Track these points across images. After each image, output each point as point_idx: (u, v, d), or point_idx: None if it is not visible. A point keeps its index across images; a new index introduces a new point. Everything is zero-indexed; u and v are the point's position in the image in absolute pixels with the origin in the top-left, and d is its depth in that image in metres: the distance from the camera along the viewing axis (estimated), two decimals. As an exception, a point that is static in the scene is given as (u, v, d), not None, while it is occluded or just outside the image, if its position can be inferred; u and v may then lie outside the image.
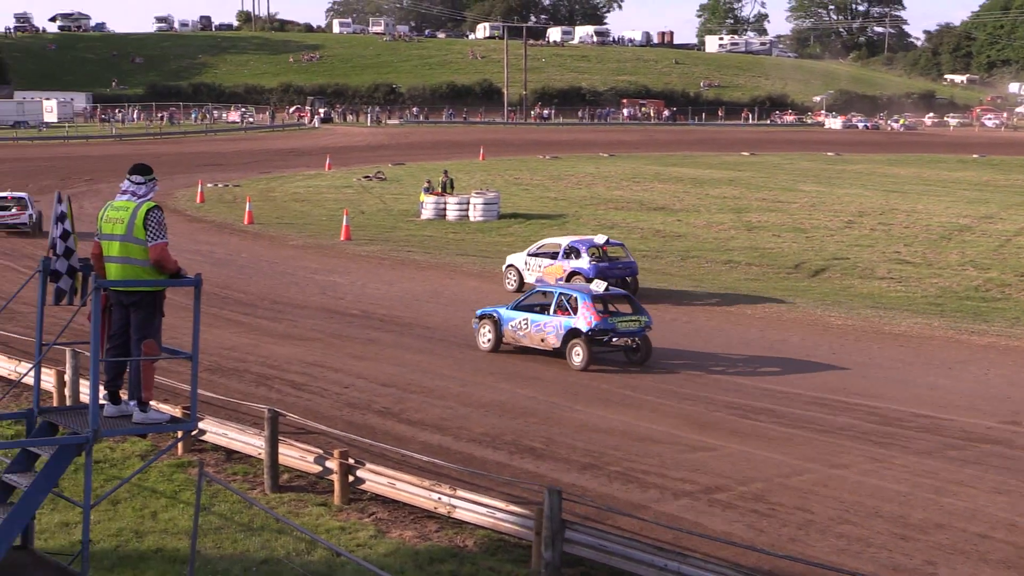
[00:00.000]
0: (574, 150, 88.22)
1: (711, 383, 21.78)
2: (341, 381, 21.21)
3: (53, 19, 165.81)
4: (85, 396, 17.28)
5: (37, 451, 9.75)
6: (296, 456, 15.71)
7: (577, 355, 22.74)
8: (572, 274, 29.88)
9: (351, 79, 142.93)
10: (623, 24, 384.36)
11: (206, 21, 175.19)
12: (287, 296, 30.46)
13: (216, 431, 16.71)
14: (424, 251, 39.14)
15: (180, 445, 16.67)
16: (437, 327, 26.64)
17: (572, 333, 22.87)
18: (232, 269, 34.44)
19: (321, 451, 15.56)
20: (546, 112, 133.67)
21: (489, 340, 24.06)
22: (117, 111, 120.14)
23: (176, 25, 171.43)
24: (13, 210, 41.45)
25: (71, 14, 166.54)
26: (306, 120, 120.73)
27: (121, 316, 10.18)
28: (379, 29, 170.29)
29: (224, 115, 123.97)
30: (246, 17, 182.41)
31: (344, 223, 42.10)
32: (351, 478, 14.98)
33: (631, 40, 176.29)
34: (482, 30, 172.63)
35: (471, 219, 46.52)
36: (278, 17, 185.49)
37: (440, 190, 48.66)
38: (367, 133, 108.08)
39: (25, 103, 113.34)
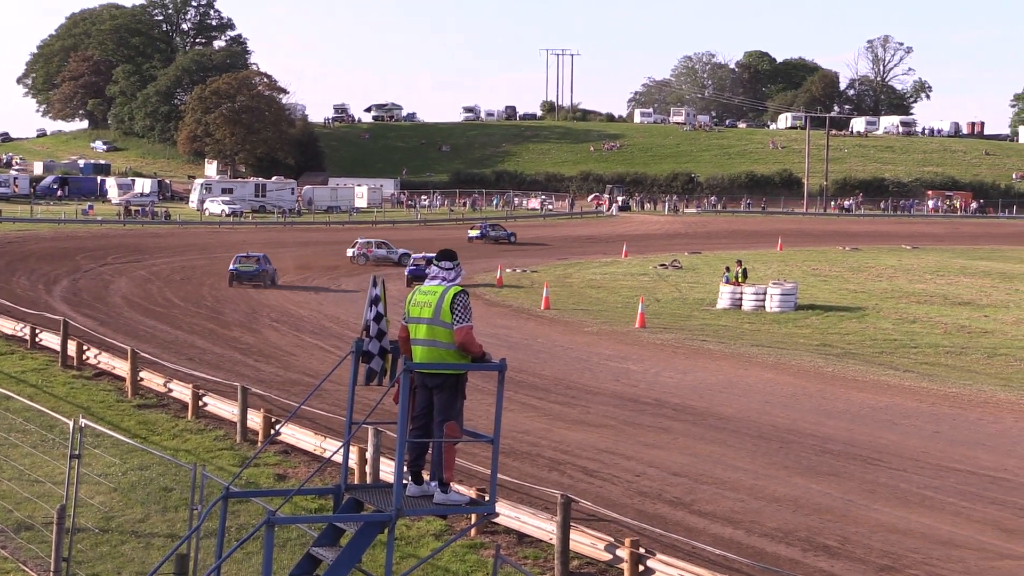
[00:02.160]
0: (875, 242, 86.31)
1: (1020, 487, 20.76)
2: (633, 469, 21.21)
3: (368, 109, 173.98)
4: (386, 474, 17.86)
5: (343, 526, 10.13)
6: (587, 543, 15.78)
7: None
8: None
9: (650, 168, 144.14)
10: (931, 115, 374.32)
11: (511, 111, 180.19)
12: (580, 382, 30.72)
13: (509, 514, 16.94)
14: (719, 340, 38.88)
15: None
16: (730, 417, 26.37)
17: None
18: (527, 353, 35.00)
19: (612, 539, 15.59)
20: (847, 203, 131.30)
21: None
22: (423, 197, 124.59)
23: (482, 115, 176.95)
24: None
25: (385, 104, 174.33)
26: (604, 208, 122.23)
27: (425, 398, 10.51)
28: (680, 119, 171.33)
29: (525, 202, 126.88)
30: (550, 107, 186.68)
31: (639, 311, 42.28)
32: (641, 568, 14.93)
33: (939, 131, 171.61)
34: (784, 120, 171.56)
35: (767, 309, 46.00)
36: (580, 107, 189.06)
37: (735, 280, 48.42)
38: (664, 221, 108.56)
39: (338, 189, 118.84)
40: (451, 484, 10.51)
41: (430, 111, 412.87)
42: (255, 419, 22.65)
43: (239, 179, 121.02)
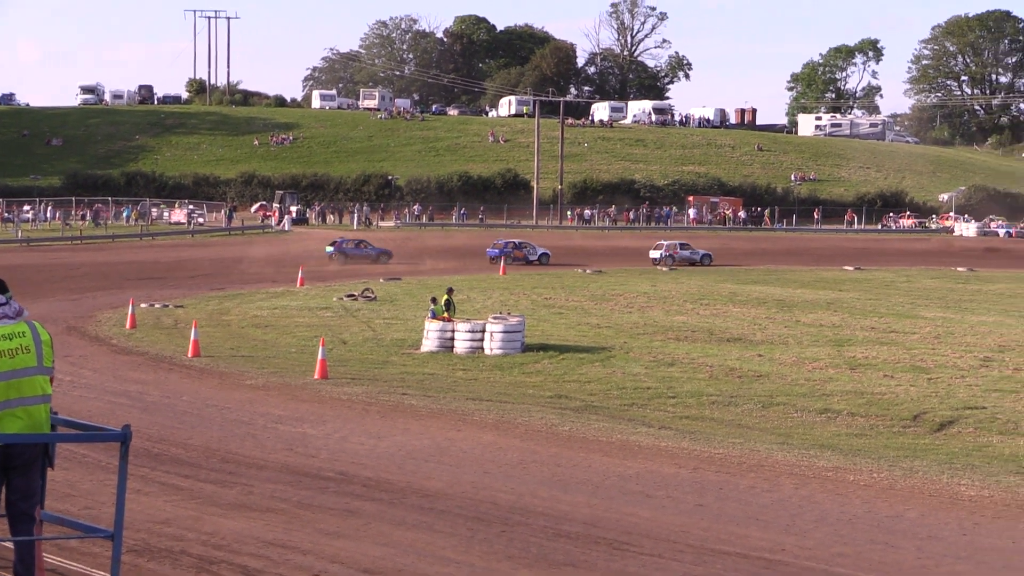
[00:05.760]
0: (624, 262, 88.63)
1: (802, 572, 21.51)
2: (310, 567, 21.08)
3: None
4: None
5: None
6: (246, 667, 15.62)
7: None
8: None
9: (334, 168, 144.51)
10: (691, 99, 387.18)
11: (146, 92, 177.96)
12: (241, 452, 30.41)
13: (142, 633, 16.65)
14: (424, 394, 39.13)
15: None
16: (439, 494, 26.52)
17: None
18: (169, 416, 34.46)
19: (279, 661, 15.48)
20: (588, 212, 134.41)
21: None
22: (26, 208, 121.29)
23: (107, 97, 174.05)
24: None
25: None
26: (273, 221, 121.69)
27: None
28: (372, 104, 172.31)
29: (166, 214, 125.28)
30: (199, 87, 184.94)
31: (319, 356, 42.20)
32: None
33: (702, 120, 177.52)
34: (506, 105, 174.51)
35: (487, 352, 46.56)
36: (240, 88, 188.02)
37: (446, 314, 48.75)
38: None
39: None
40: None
41: (35, 93, 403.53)
42: None
43: None
